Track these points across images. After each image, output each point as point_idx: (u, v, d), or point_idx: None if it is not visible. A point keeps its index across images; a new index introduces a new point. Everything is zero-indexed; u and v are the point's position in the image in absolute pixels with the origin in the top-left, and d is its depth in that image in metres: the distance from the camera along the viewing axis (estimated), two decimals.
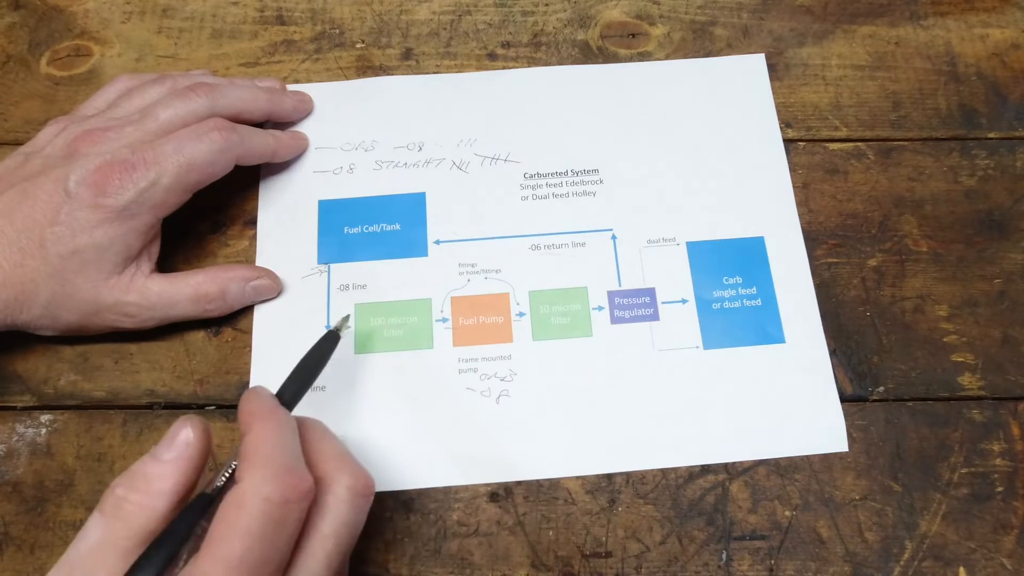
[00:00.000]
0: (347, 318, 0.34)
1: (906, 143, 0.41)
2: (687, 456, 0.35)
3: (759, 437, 0.35)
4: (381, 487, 0.34)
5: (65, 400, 0.36)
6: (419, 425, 0.35)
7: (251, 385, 0.35)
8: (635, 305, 0.37)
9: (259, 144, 0.37)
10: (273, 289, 0.37)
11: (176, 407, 0.35)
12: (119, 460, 0.34)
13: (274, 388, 0.30)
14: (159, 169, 0.33)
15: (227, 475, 0.27)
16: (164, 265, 0.37)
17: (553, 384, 0.36)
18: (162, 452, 0.26)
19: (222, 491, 0.26)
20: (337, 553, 0.26)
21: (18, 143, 0.38)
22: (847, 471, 0.34)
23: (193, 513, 0.25)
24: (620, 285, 0.37)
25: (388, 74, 0.42)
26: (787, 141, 0.41)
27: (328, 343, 0.32)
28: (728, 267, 0.38)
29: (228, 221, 0.39)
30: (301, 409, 0.35)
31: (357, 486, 0.27)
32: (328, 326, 0.34)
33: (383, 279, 0.38)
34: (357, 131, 0.41)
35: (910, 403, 0.36)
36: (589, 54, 0.43)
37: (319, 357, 0.32)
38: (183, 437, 0.26)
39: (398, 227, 0.39)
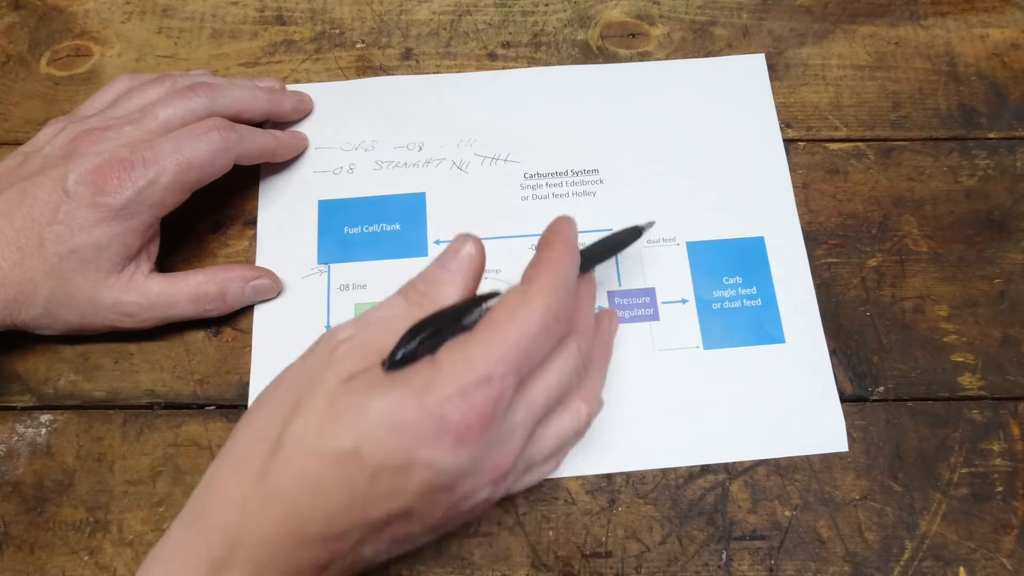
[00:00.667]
0: (652, 224, 0.35)
1: (906, 143, 0.41)
2: (687, 456, 0.35)
3: (759, 437, 0.35)
4: None
5: (65, 400, 0.36)
6: None
7: (251, 383, 0.35)
8: (635, 305, 0.37)
9: (259, 144, 0.37)
10: (273, 289, 0.37)
11: (176, 407, 0.35)
12: (119, 460, 0.34)
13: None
14: (158, 168, 0.33)
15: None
16: (164, 265, 0.37)
17: None
18: (448, 262, 0.28)
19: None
20: (556, 391, 0.27)
21: (18, 143, 0.38)
22: (847, 471, 0.34)
23: (481, 299, 0.27)
24: (620, 285, 0.37)
25: (388, 74, 0.42)
26: (787, 141, 0.41)
27: (632, 234, 0.34)
28: (728, 267, 0.38)
29: (228, 221, 0.39)
30: None
31: (583, 348, 0.28)
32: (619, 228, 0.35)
33: (383, 279, 0.38)
34: (357, 131, 0.41)
35: (910, 403, 0.36)
36: (589, 54, 0.43)
37: (620, 241, 0.34)
38: (465, 252, 0.28)
39: (398, 227, 0.39)
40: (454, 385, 0.24)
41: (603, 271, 0.38)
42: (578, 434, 0.30)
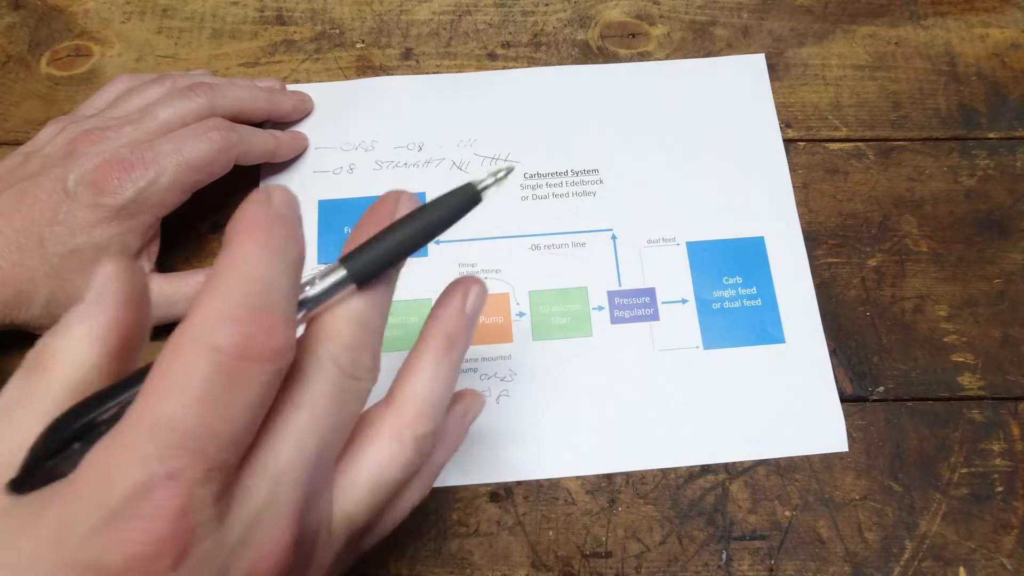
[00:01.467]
0: (508, 172, 0.21)
1: (906, 143, 0.41)
2: (687, 456, 0.35)
3: (759, 437, 0.35)
4: None
5: None
6: None
7: None
8: (635, 305, 0.37)
9: (259, 144, 0.37)
10: None
11: None
12: None
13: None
14: (158, 168, 0.33)
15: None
16: (164, 265, 0.37)
17: (553, 384, 0.36)
18: (83, 294, 0.20)
19: None
20: (313, 434, 0.19)
21: (18, 143, 0.38)
22: (847, 471, 0.34)
23: (143, 374, 0.18)
24: (620, 285, 0.37)
25: (388, 74, 0.42)
26: (787, 141, 0.41)
27: (462, 202, 0.21)
28: (728, 267, 0.38)
29: (228, 221, 0.39)
30: None
31: (344, 358, 0.20)
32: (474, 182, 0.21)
33: None
34: (357, 131, 0.41)
35: (910, 403, 0.36)
36: (589, 54, 0.43)
37: (453, 210, 0.21)
38: (101, 273, 0.20)
39: None
40: (98, 512, 0.16)
41: (602, 271, 0.38)
42: (408, 466, 0.22)
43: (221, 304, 0.18)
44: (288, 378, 0.19)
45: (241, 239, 0.19)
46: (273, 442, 0.19)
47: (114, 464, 0.17)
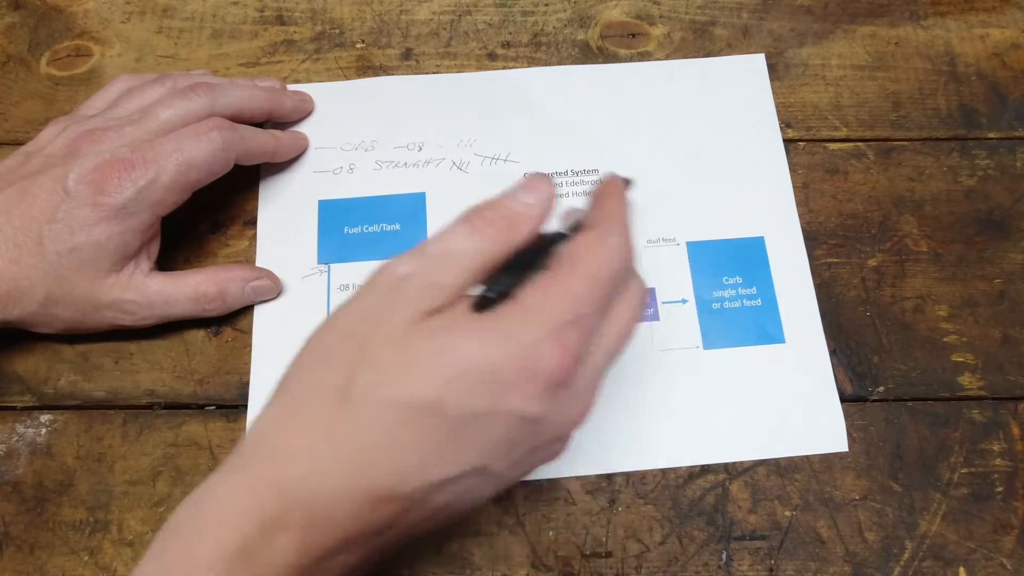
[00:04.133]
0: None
1: (906, 143, 0.41)
2: (687, 456, 0.35)
3: (759, 437, 0.35)
4: None
5: (65, 400, 0.36)
6: None
7: (251, 383, 0.35)
8: None
9: (259, 144, 0.37)
10: (272, 289, 0.37)
11: (176, 407, 0.35)
12: (119, 460, 0.34)
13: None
14: (158, 168, 0.33)
15: (571, 223, 0.27)
16: (164, 265, 0.37)
17: None
18: (525, 196, 0.26)
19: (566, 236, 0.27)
20: (620, 342, 0.26)
21: (18, 143, 0.38)
22: (847, 471, 0.34)
23: (556, 237, 0.26)
24: None
25: (388, 74, 0.42)
26: (787, 141, 0.41)
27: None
28: (728, 267, 0.38)
29: (228, 221, 0.39)
30: None
31: (641, 293, 0.27)
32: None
33: None
34: (357, 131, 0.41)
35: (910, 403, 0.36)
36: (589, 54, 0.43)
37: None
38: (546, 191, 0.26)
39: (398, 227, 0.39)
40: (547, 326, 0.23)
41: None
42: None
43: (623, 227, 0.26)
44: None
45: (619, 199, 0.27)
46: (610, 325, 0.25)
47: (562, 297, 0.23)
